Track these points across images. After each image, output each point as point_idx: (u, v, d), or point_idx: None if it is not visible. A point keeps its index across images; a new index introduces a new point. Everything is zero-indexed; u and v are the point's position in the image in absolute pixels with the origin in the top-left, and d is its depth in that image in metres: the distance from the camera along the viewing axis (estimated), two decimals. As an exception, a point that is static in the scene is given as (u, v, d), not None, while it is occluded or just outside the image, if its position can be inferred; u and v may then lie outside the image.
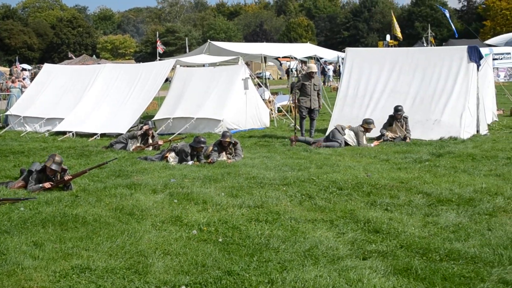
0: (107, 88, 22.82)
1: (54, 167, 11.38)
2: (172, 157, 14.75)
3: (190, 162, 14.45)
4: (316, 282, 6.53)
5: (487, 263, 7.11)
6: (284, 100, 28.52)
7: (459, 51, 19.39)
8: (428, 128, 18.04)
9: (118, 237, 8.22)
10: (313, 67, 19.85)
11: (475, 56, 18.87)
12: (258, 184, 11.54)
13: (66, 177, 11.39)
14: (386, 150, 15.74)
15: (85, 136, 20.44)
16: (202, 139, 14.80)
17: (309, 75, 19.11)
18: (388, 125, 17.69)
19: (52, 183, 11.36)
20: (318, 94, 19.11)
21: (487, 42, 65.97)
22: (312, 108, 19.05)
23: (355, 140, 16.90)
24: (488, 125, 20.14)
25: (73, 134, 20.75)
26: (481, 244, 7.71)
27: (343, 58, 22.71)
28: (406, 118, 17.63)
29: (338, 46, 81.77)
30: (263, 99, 24.35)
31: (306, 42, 47.96)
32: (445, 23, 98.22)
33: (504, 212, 9.39)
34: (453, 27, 66.07)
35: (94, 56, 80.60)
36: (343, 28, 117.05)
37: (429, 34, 63.48)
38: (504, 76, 49.64)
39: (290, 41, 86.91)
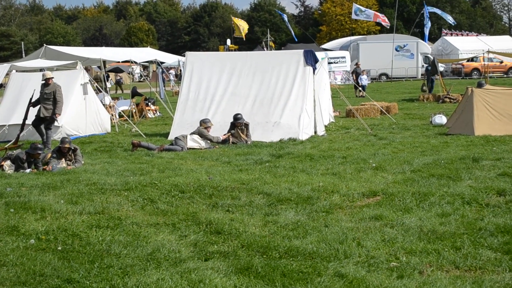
0: None
1: None
2: (7, 165, 14.18)
3: (28, 170, 13.95)
4: (158, 285, 6.52)
5: (324, 258, 7.38)
6: (125, 105, 28.17)
7: (296, 55, 19.99)
8: (268, 130, 18.45)
9: None
10: (47, 74, 18.63)
11: (311, 60, 19.53)
12: (99, 190, 11.33)
13: None
14: (227, 153, 15.94)
15: None
16: (39, 146, 14.37)
17: (46, 82, 18.03)
18: (230, 130, 17.93)
19: None
20: (56, 101, 17.86)
21: (323, 46, 68.58)
22: (42, 116, 18.01)
23: (201, 140, 17.05)
24: (325, 126, 20.90)
25: None
26: (318, 240, 7.99)
27: (184, 62, 22.74)
28: (247, 124, 17.91)
29: (180, 50, 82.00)
30: (103, 104, 23.90)
31: (147, 46, 47.56)
32: (284, 27, 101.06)
33: (340, 209, 9.79)
34: (291, 31, 67.98)
35: None
36: (184, 32, 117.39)
37: (268, 39, 64.96)
38: (341, 79, 51.70)
39: (131, 46, 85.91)
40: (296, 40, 70.31)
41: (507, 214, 9.19)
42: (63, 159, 14.45)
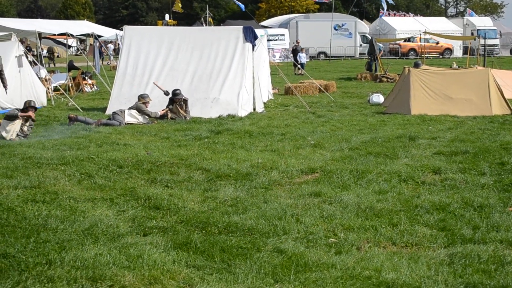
0: None
1: None
2: None
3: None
4: (96, 261, 6.42)
5: (263, 234, 7.40)
6: (62, 79, 27.61)
7: (235, 31, 19.92)
8: (207, 106, 18.36)
9: None
10: None
11: (250, 37, 19.47)
12: (35, 164, 11.08)
13: None
14: (166, 128, 15.80)
15: None
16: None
17: None
18: (169, 106, 17.77)
19: None
20: None
21: (263, 23, 68.47)
22: None
23: (139, 115, 16.87)
24: (264, 103, 20.93)
25: None
26: (257, 216, 8.00)
27: (122, 37, 22.38)
28: (186, 100, 17.76)
29: (117, 24, 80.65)
30: (39, 78, 23.38)
31: (84, 19, 46.59)
32: (223, 4, 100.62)
33: (278, 186, 9.83)
34: (237, 3, 67.50)
35: None
36: (122, 6, 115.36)
37: (207, 15, 64.49)
38: (280, 57, 51.72)
39: (67, 19, 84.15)
40: (244, 9, 69.95)
41: (442, 192, 9.38)
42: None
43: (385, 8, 66.86)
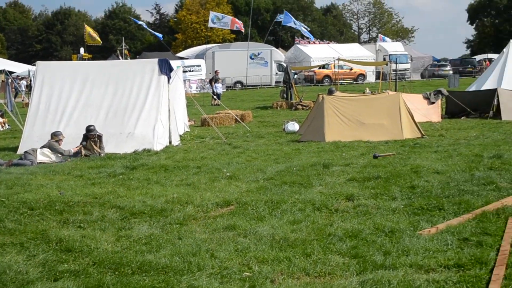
0: None
1: None
2: None
3: None
4: (3, 311, 6.24)
5: (177, 271, 7.34)
6: None
7: (150, 64, 19.88)
8: (122, 141, 18.15)
9: None
10: None
11: (166, 69, 19.46)
12: None
13: None
14: (80, 166, 15.52)
15: None
16: None
17: None
18: (83, 142, 17.49)
19: None
20: None
21: (179, 54, 68.60)
22: None
23: (52, 154, 16.54)
24: (180, 135, 20.89)
25: None
26: (171, 254, 7.94)
27: (34, 72, 22.02)
28: (100, 136, 17.53)
29: (31, 59, 79.27)
30: None
31: (-5, 55, 45.67)
32: (139, 35, 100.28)
33: (194, 220, 9.79)
34: (155, 33, 67.17)
35: None
36: (35, 41, 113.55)
37: (123, 47, 64.17)
38: (196, 88, 51.83)
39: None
40: (162, 38, 69.79)
41: (354, 218, 9.53)
42: None
43: (311, 35, 67.85)
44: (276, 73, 59.86)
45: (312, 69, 56.53)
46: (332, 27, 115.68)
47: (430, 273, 7.13)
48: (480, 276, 6.90)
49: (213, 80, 43.38)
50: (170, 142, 19.13)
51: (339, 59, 42.90)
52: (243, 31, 63.91)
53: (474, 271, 7.08)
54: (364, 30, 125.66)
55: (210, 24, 63.02)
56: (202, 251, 8.06)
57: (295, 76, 42.78)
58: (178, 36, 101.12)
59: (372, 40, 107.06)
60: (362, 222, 9.28)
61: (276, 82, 59.03)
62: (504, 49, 33.07)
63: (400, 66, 51.30)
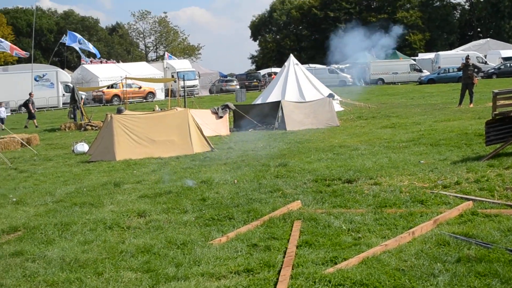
0: None
1: None
2: None
3: None
4: None
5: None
6: None
7: None
8: None
9: None
10: None
11: None
12: None
13: None
14: None
15: None
16: None
17: None
18: None
19: None
20: None
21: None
22: None
23: None
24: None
25: None
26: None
27: None
28: None
29: None
30: None
31: None
32: None
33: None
34: None
35: None
36: None
37: None
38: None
39: None
40: None
41: (147, 234, 9.54)
42: None
43: (97, 52, 66.60)
44: (63, 95, 58.32)
45: (101, 89, 55.78)
46: (119, 46, 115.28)
47: (221, 280, 7.30)
48: (268, 278, 7.17)
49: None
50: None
51: (126, 78, 42.65)
52: (26, 54, 61.60)
53: (263, 274, 7.35)
54: (151, 48, 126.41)
55: (-14, 47, 60.00)
56: (-13, 280, 7.68)
57: (83, 96, 41.92)
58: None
59: (160, 58, 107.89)
60: (154, 237, 9.31)
61: (63, 103, 57.46)
62: (286, 63, 34.76)
63: (188, 83, 52.02)
